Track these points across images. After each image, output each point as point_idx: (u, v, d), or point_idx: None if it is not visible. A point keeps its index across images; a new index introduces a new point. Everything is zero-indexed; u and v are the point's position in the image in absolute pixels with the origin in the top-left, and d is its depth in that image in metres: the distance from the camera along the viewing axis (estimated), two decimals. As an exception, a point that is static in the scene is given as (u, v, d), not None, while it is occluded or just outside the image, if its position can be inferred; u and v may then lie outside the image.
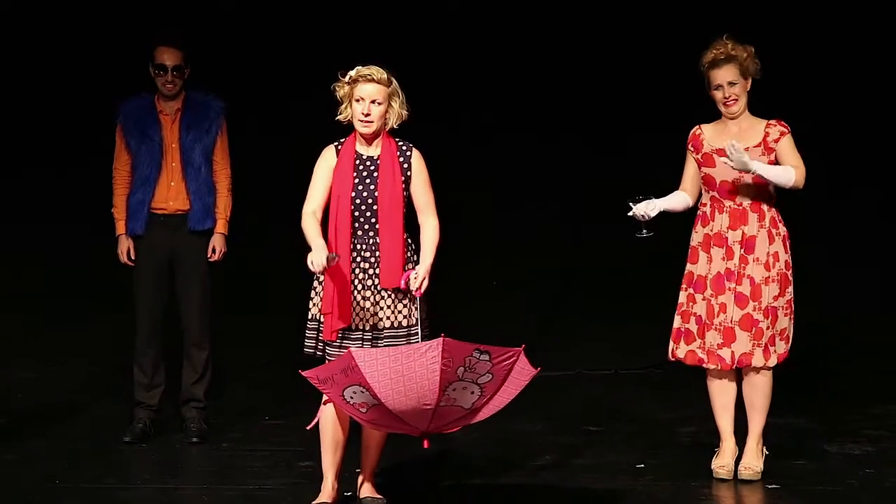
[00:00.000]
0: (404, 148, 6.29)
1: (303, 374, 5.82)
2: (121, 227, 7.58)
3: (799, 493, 6.61)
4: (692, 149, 6.81)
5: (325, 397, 6.08)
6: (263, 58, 9.22)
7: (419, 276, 6.10)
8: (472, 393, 5.88)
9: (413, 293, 6.12)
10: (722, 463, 6.85)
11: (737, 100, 6.71)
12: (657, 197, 6.72)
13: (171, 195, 7.55)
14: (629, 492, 6.64)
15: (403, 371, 5.72)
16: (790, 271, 6.77)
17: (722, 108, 6.75)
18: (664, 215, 6.75)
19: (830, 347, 9.26)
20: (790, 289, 6.76)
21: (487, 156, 9.40)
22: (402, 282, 6.13)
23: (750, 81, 6.74)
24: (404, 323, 6.18)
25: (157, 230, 7.54)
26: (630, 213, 6.67)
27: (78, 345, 9.32)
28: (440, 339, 5.70)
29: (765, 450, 6.86)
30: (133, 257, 7.58)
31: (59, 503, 6.51)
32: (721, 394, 6.85)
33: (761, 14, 8.75)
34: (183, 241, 7.55)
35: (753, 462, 6.80)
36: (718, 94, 6.72)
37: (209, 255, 7.57)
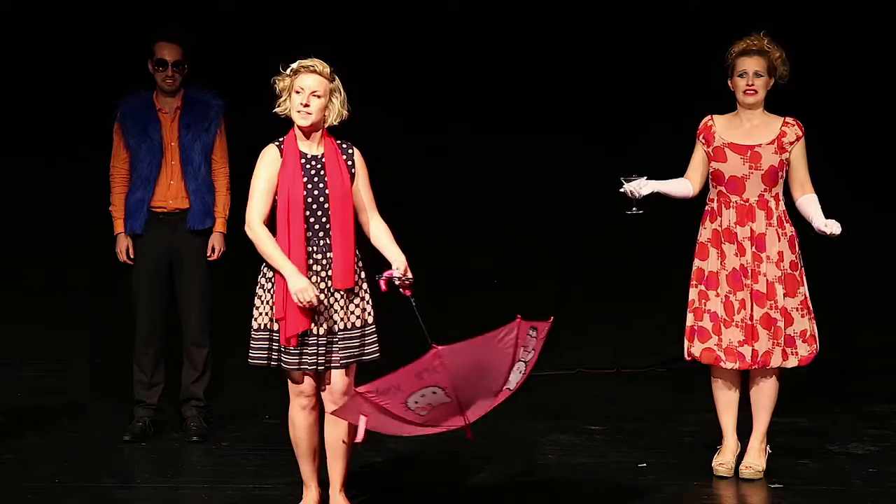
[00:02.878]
0: (345, 146, 6.16)
1: (358, 391, 5.67)
2: (119, 226, 7.57)
3: (802, 492, 6.60)
4: (703, 140, 6.79)
5: (363, 419, 5.81)
6: (264, 58, 9.18)
7: (402, 270, 6.01)
8: (520, 372, 5.86)
9: (403, 291, 6.00)
10: (722, 461, 6.83)
11: (756, 92, 6.68)
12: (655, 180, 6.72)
13: (170, 194, 7.54)
14: (631, 491, 6.62)
15: (481, 360, 5.68)
16: (798, 272, 6.73)
17: (740, 97, 6.72)
18: (673, 206, 6.76)
19: (831, 346, 9.23)
20: (801, 289, 6.72)
21: (487, 155, 9.39)
22: (382, 284, 6.01)
23: (773, 82, 6.73)
24: (357, 323, 6.06)
25: (156, 228, 7.53)
26: (621, 190, 6.65)
27: (78, 344, 9.30)
28: (517, 322, 5.68)
29: (768, 448, 6.84)
30: (132, 256, 7.57)
31: (59, 503, 6.51)
32: (725, 391, 6.83)
33: (761, 14, 8.73)
34: (182, 240, 7.54)
35: (756, 461, 6.78)
36: (741, 82, 6.69)
37: (208, 254, 7.56)
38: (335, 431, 6.13)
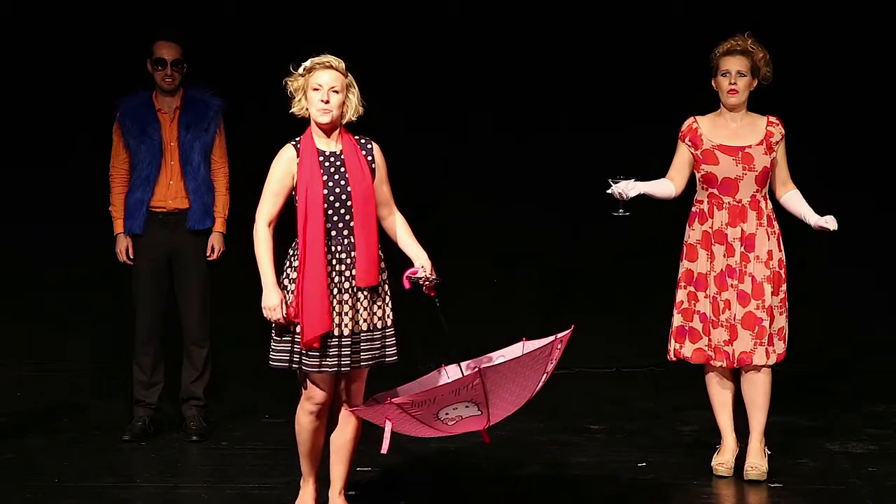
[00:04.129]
0: (363, 142, 6.04)
1: (394, 401, 5.63)
2: (119, 226, 7.57)
3: (801, 491, 6.60)
4: (689, 143, 6.79)
5: (388, 424, 5.77)
6: (264, 58, 9.19)
7: (428, 270, 5.93)
8: (542, 381, 5.87)
9: (427, 292, 5.92)
10: (721, 461, 6.83)
11: (738, 92, 6.70)
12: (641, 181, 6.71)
13: (170, 194, 7.54)
14: (630, 490, 6.62)
15: (517, 378, 5.69)
16: (783, 270, 6.75)
17: (723, 97, 6.75)
18: (674, 205, 6.76)
19: (831, 346, 9.24)
20: (784, 287, 6.75)
21: (487, 155, 9.39)
22: (406, 282, 5.93)
23: (756, 83, 6.74)
24: (379, 325, 5.96)
25: (155, 228, 7.53)
26: (608, 191, 6.64)
27: (78, 344, 9.31)
28: (555, 341, 5.72)
29: (767, 449, 6.84)
30: (132, 256, 7.57)
31: (59, 502, 6.50)
32: (720, 391, 6.84)
33: (754, 11, 8.74)
34: (182, 240, 7.54)
35: (759, 462, 6.77)
36: (724, 82, 6.71)
37: (208, 254, 7.56)
38: (343, 433, 6.08)
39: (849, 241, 7.17)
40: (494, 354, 6.03)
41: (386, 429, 5.75)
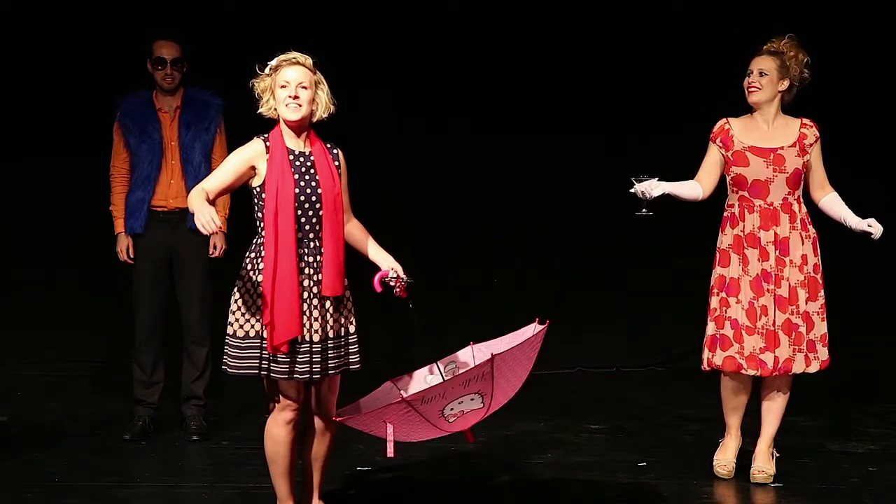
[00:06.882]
0: (329, 146, 5.88)
1: (405, 398, 5.54)
2: (119, 226, 7.57)
3: (801, 491, 6.60)
4: (721, 144, 6.69)
5: (390, 428, 5.69)
6: (264, 57, 9.20)
7: (400, 271, 5.81)
8: (529, 371, 5.86)
9: (399, 294, 5.83)
10: (723, 461, 6.82)
11: (759, 89, 6.62)
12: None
13: (170, 193, 7.54)
14: (631, 490, 6.62)
15: (516, 366, 5.66)
16: (819, 274, 6.68)
17: (746, 95, 6.68)
18: (673, 206, 6.74)
19: (832, 346, 9.23)
20: (822, 293, 6.68)
21: (487, 155, 9.39)
22: (377, 285, 5.83)
23: (787, 83, 6.65)
24: (342, 332, 5.82)
25: (156, 227, 7.53)
26: (632, 190, 6.57)
27: (78, 344, 9.31)
28: (545, 327, 5.69)
29: (775, 452, 6.82)
30: (132, 255, 7.58)
31: (59, 502, 6.50)
32: (736, 396, 6.76)
33: (764, 12, 8.74)
34: (183, 239, 7.54)
35: (766, 465, 6.74)
36: (745, 81, 6.66)
37: (210, 252, 7.57)
38: (322, 444, 5.97)
39: (849, 240, 7.16)
40: (448, 358, 6.01)
41: (388, 431, 5.69)
